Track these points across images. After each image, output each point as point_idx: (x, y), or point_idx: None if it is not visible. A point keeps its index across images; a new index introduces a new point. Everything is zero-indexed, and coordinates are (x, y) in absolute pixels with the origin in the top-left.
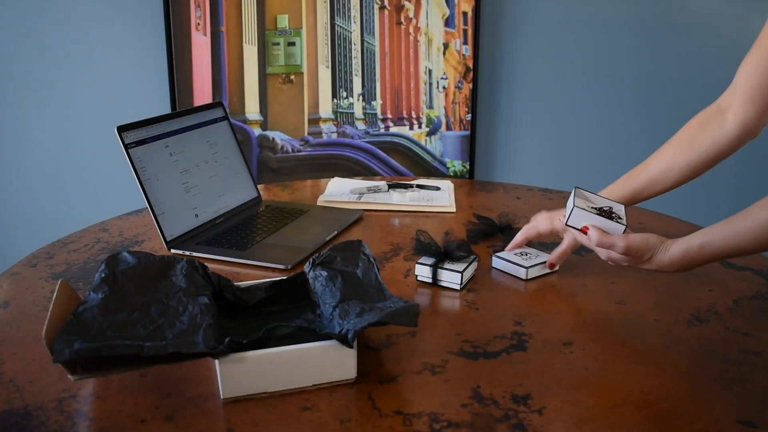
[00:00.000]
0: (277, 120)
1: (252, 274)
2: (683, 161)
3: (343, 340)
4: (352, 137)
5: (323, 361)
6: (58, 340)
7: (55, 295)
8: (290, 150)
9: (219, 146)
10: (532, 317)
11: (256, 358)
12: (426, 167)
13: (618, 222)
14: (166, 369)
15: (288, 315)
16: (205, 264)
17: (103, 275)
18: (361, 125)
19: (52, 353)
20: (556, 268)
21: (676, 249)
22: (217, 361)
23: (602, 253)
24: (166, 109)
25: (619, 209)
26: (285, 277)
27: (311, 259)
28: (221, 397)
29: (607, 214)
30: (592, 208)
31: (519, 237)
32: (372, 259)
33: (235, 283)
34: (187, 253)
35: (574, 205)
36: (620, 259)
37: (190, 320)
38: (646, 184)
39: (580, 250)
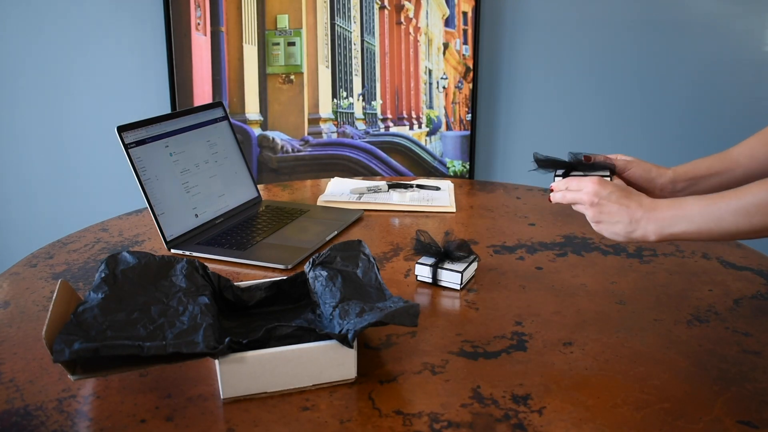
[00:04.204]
0: (277, 120)
1: (252, 274)
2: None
3: (343, 340)
4: (352, 137)
5: (323, 361)
6: (58, 340)
7: (55, 295)
8: (290, 150)
9: (219, 146)
10: (532, 317)
11: (256, 358)
12: (426, 167)
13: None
14: (166, 369)
15: (288, 315)
16: (205, 264)
17: (103, 275)
18: (361, 125)
19: (52, 353)
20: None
21: (652, 236)
22: (217, 361)
23: (568, 197)
24: (166, 109)
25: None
26: (285, 277)
27: (311, 259)
28: (221, 397)
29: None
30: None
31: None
32: (372, 259)
33: (235, 283)
34: (187, 253)
35: (555, 173)
36: (592, 208)
37: (190, 320)
38: (727, 166)
39: (580, 249)
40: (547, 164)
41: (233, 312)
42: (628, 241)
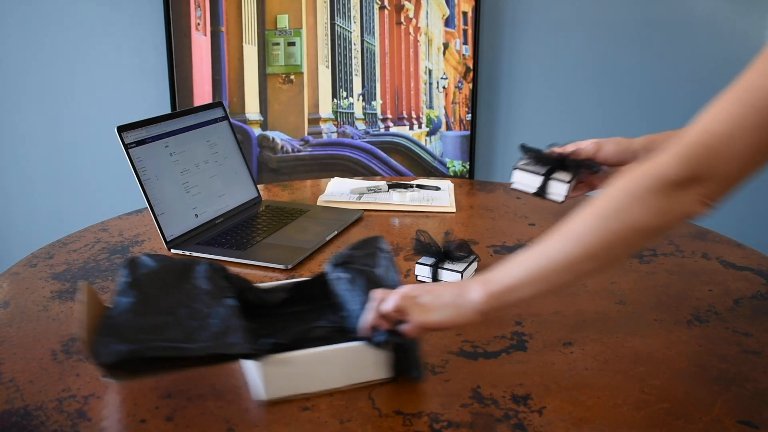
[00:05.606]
0: (277, 120)
1: (252, 274)
2: None
3: (377, 345)
4: (352, 137)
5: (363, 361)
6: (99, 343)
7: (83, 298)
8: (290, 150)
9: (219, 146)
10: (532, 317)
11: (299, 358)
12: (426, 167)
13: (559, 180)
14: None
15: (309, 316)
16: (224, 266)
17: (126, 279)
18: (361, 125)
19: (95, 357)
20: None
21: (478, 292)
22: (256, 363)
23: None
24: (166, 109)
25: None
26: (307, 279)
27: (331, 260)
28: (261, 398)
29: (553, 166)
30: (536, 165)
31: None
32: (390, 256)
33: (256, 285)
34: (187, 253)
35: (514, 167)
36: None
37: (222, 322)
38: None
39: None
40: (533, 156)
41: (253, 313)
42: (455, 317)
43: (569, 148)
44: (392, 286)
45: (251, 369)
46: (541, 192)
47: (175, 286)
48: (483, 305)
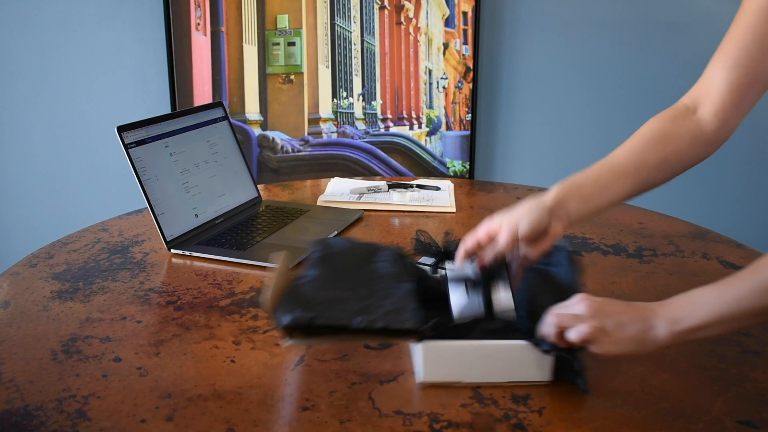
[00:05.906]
0: (277, 120)
1: (252, 274)
2: (658, 156)
3: (537, 345)
4: (352, 137)
5: (526, 361)
6: (280, 307)
7: (277, 264)
8: (290, 150)
9: (219, 146)
10: None
11: (464, 347)
12: (426, 167)
13: (502, 296)
14: (165, 368)
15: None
16: (405, 254)
17: (317, 255)
18: (361, 125)
19: (275, 319)
20: None
21: (664, 330)
22: (420, 344)
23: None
24: (166, 109)
25: (501, 282)
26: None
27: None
28: (420, 380)
29: (485, 284)
30: (472, 291)
31: (459, 250)
32: (570, 253)
33: (433, 275)
34: (187, 252)
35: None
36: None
37: (398, 301)
38: (614, 177)
39: (580, 250)
40: (464, 283)
41: (427, 302)
42: (639, 351)
43: (486, 245)
44: (570, 287)
45: (418, 351)
46: (490, 314)
47: (359, 267)
48: (666, 343)
